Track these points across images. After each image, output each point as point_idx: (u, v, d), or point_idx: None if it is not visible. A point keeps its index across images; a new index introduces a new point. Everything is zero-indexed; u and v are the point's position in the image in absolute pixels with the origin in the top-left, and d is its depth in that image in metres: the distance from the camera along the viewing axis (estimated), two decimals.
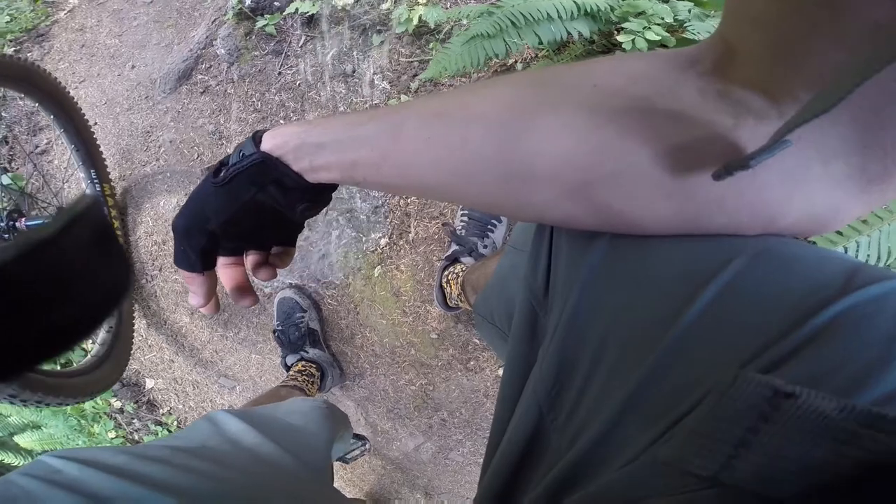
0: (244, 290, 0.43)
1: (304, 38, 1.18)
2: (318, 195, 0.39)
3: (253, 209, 0.37)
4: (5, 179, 1.52)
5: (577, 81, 0.29)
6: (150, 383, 1.43)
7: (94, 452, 0.42)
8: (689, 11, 0.89)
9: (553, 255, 0.37)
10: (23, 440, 1.67)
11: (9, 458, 1.72)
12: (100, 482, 0.38)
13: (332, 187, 0.39)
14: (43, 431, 1.68)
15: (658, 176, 0.27)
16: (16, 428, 1.69)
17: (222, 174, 0.36)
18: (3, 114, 1.66)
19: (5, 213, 1.05)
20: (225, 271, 0.42)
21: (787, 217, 0.27)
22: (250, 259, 0.44)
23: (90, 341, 1.27)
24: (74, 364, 1.09)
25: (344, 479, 1.29)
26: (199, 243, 0.38)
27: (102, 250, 0.15)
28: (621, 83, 0.28)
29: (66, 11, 1.78)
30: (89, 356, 1.12)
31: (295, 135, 0.34)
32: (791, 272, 0.26)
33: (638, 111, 0.27)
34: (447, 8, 1.03)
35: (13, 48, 1.77)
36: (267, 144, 0.35)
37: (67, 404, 0.97)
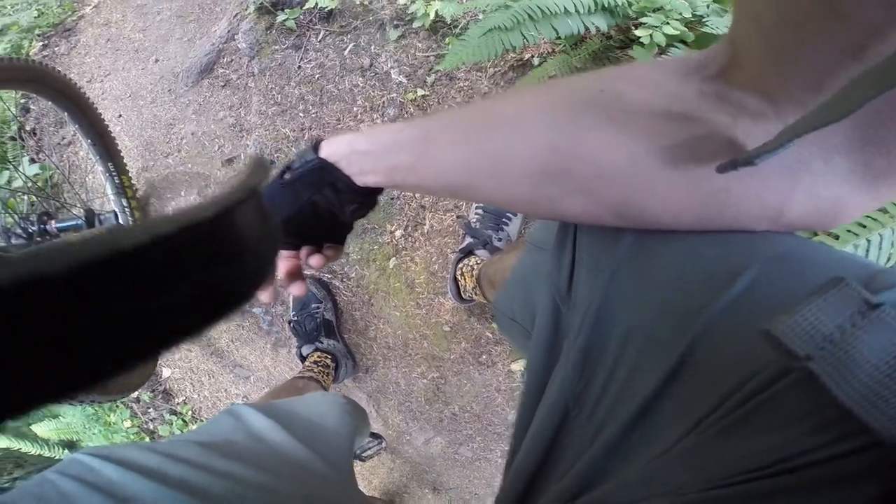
0: (296, 276, 0.51)
1: (322, 32, 1.27)
2: (366, 198, 0.45)
3: (310, 209, 0.44)
4: (33, 169, 1.64)
5: (586, 86, 0.34)
6: (166, 372, 1.53)
7: (128, 452, 0.44)
8: (708, 7, 0.93)
9: (577, 251, 0.42)
10: (40, 429, 1.78)
11: (26, 447, 1.84)
12: (137, 486, 0.40)
13: (379, 191, 0.46)
14: (60, 420, 1.79)
15: (659, 169, 0.31)
16: (33, 417, 1.81)
17: (287, 176, 0.43)
18: (31, 106, 1.79)
19: (35, 216, 1.15)
20: (282, 262, 0.50)
21: (792, 211, 0.30)
22: (304, 251, 0.51)
23: None
24: None
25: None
26: None
27: (264, 220, 0.16)
28: (625, 87, 0.32)
29: (91, 6, 1.91)
30: None
31: (346, 143, 0.41)
32: (809, 275, 0.29)
33: (639, 112, 0.31)
34: (462, 2, 1.10)
35: (41, 43, 1.91)
36: (324, 151, 0.42)
37: (115, 400, 1.07)
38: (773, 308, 0.27)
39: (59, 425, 1.78)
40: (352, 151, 0.41)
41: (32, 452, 1.82)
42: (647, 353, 0.32)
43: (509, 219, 1.11)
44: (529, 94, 0.36)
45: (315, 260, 0.50)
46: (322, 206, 0.44)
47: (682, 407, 0.29)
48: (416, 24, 1.16)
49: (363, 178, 0.42)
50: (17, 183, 1.61)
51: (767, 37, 0.26)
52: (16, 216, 1.17)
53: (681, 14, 0.94)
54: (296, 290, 0.50)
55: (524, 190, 0.36)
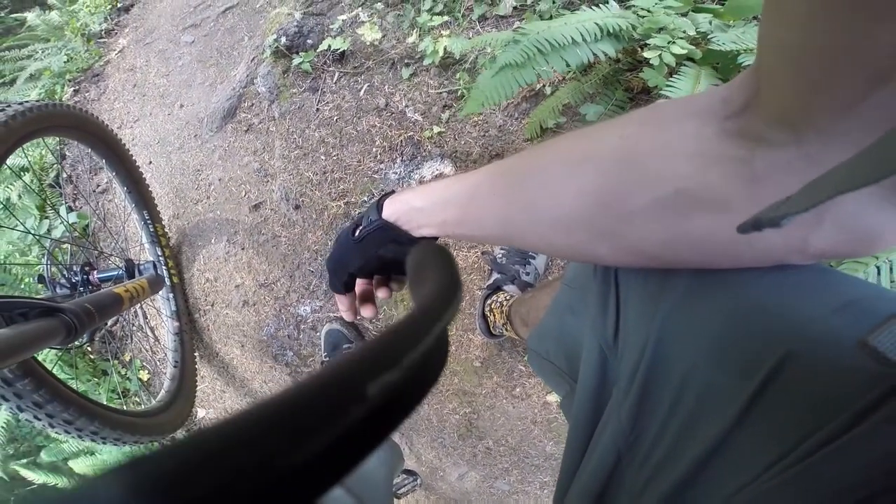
0: (369, 299, 0.63)
1: (337, 74, 1.40)
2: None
3: (377, 260, 0.56)
4: (72, 217, 1.85)
5: (607, 134, 0.38)
6: (201, 413, 1.69)
7: None
8: (710, 23, 1.00)
9: (620, 300, 0.46)
10: (77, 465, 1.98)
11: (62, 482, 2.06)
12: None
13: (436, 238, 0.56)
14: (97, 457, 1.98)
15: (680, 212, 0.34)
16: (70, 454, 2.02)
17: (357, 234, 0.55)
18: (66, 153, 2.01)
19: (78, 266, 1.30)
20: (358, 286, 0.63)
21: (818, 242, 0.33)
22: (375, 280, 0.64)
23: (161, 380, 1.54)
24: (152, 403, 1.34)
25: None
26: (342, 278, 0.58)
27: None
28: (646, 131, 0.36)
29: (116, 52, 2.13)
30: (163, 392, 1.38)
31: (404, 202, 0.51)
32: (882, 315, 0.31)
33: (658, 156, 0.35)
34: (470, 37, 1.19)
35: (73, 88, 2.14)
36: (385, 212, 0.52)
37: (154, 441, 1.20)
38: (853, 347, 0.30)
39: (96, 462, 1.96)
40: (409, 209, 0.50)
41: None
42: (706, 404, 0.35)
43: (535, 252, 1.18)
44: (554, 146, 0.42)
45: (382, 292, 0.63)
46: (387, 257, 0.55)
47: (746, 456, 0.32)
48: (426, 62, 1.27)
49: (419, 232, 0.51)
50: (57, 232, 1.82)
51: (791, 63, 0.28)
52: (60, 266, 1.31)
53: (685, 32, 1.00)
54: (367, 312, 0.63)
55: (556, 237, 0.41)
